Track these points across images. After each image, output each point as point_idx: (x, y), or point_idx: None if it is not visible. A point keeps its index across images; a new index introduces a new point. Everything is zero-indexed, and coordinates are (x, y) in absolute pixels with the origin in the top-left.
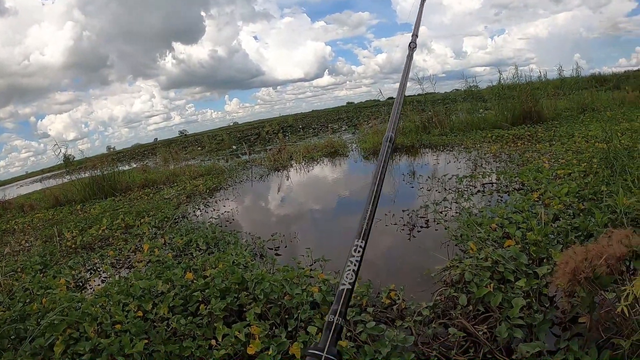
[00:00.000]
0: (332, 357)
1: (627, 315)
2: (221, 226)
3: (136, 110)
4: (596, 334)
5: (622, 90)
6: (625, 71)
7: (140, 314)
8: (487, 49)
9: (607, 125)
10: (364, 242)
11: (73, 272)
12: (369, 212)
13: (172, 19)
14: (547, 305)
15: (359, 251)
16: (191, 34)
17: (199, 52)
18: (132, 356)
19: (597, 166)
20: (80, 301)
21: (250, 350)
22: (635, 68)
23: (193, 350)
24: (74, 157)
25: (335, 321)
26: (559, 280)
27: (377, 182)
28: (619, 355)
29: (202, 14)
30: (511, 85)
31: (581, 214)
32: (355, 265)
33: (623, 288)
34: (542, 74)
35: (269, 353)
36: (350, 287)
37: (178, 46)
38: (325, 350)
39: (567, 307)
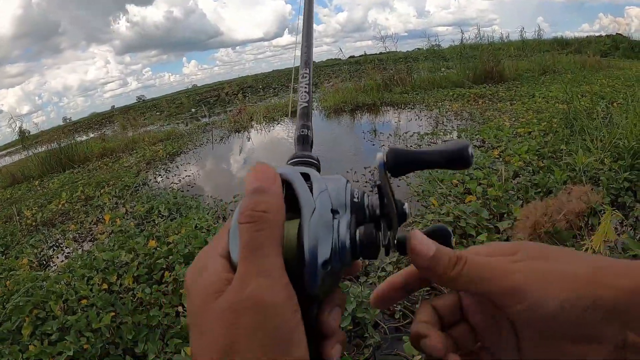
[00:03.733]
0: (310, 159)
1: None
2: (182, 191)
3: (91, 77)
4: None
5: (583, 54)
6: (587, 36)
7: (105, 286)
8: (450, 8)
9: (567, 86)
10: (308, 69)
11: (35, 250)
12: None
13: None
14: None
15: (305, 77)
16: None
17: (153, 14)
18: (99, 330)
19: (557, 126)
20: (44, 280)
21: None
22: (597, 34)
23: (160, 319)
24: (29, 132)
25: (304, 133)
26: (520, 234)
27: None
28: None
29: None
30: (473, 45)
31: (541, 171)
32: (306, 88)
33: (582, 243)
34: (504, 35)
35: None
36: (308, 104)
37: (132, 8)
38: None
39: None
